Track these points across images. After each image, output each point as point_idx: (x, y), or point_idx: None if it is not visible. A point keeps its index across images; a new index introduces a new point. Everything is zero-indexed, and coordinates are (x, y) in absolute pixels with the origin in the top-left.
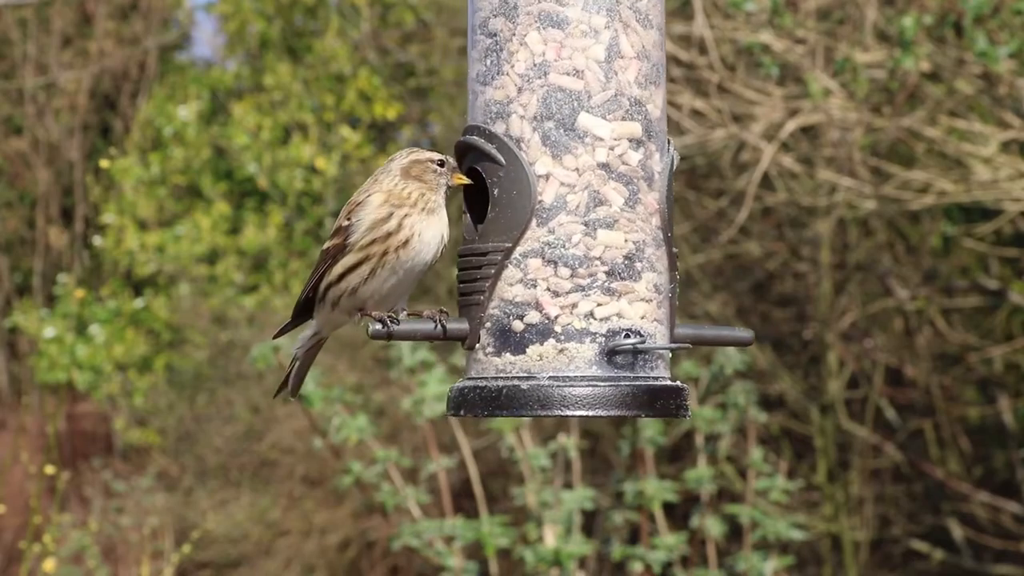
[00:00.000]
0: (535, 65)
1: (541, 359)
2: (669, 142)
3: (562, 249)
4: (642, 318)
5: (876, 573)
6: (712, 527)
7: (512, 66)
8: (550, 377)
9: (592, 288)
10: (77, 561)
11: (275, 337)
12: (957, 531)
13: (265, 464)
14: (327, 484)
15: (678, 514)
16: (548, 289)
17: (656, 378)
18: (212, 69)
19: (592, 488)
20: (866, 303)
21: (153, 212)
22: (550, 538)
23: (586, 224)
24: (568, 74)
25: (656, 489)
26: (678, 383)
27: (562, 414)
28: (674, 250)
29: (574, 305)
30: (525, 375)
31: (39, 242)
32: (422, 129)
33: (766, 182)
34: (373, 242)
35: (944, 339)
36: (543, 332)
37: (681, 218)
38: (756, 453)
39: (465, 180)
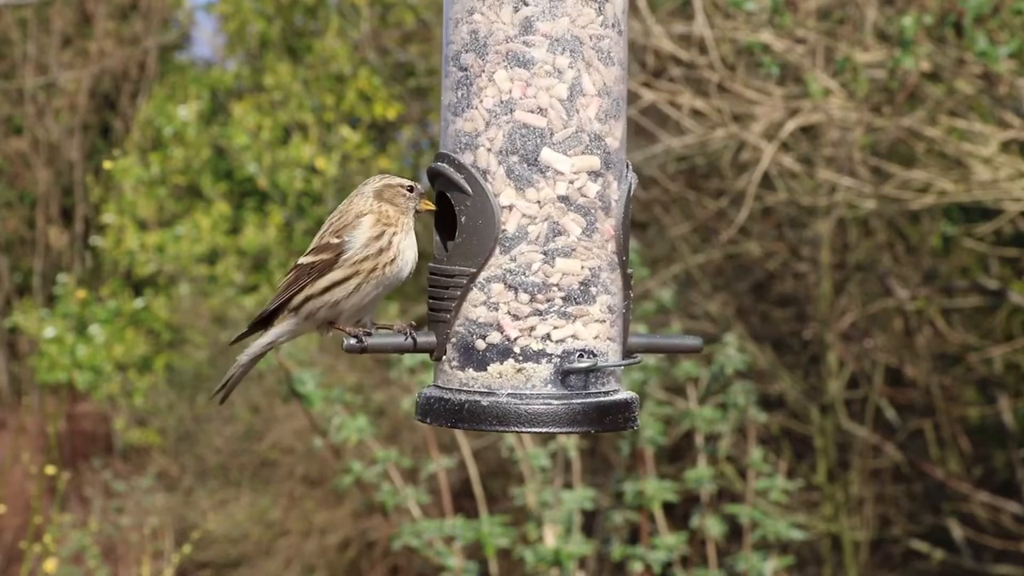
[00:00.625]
0: (502, 102)
1: (501, 376)
2: (628, 166)
3: (522, 276)
4: (595, 338)
5: (876, 573)
6: (712, 527)
7: (481, 101)
8: (508, 394)
9: (549, 313)
10: (77, 561)
11: (232, 343)
12: (957, 531)
13: (265, 464)
14: (327, 484)
15: (678, 514)
16: (509, 312)
17: (606, 393)
18: (212, 69)
19: (592, 488)
20: (866, 303)
21: (153, 212)
22: (550, 538)
23: (545, 253)
24: (532, 111)
25: (656, 489)
26: (627, 396)
27: (518, 430)
28: (628, 271)
29: (532, 328)
30: (486, 391)
31: (39, 242)
32: (422, 129)
33: (766, 182)
34: (366, 259)
35: (944, 339)
36: (503, 352)
37: (681, 218)
38: (756, 453)
39: (431, 206)
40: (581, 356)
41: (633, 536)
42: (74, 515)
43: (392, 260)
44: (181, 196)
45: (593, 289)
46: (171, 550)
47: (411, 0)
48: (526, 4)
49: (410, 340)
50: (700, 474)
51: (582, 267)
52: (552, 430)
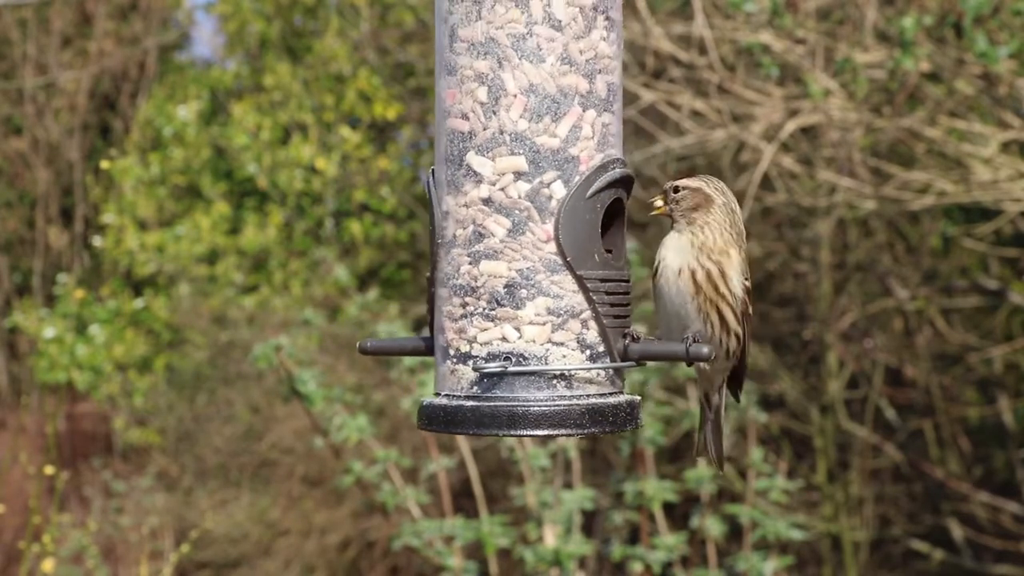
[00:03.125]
0: (441, 111)
1: (443, 379)
2: (618, 160)
3: (454, 280)
4: (531, 341)
5: (876, 573)
6: (712, 527)
7: (436, 114)
8: (445, 395)
9: (475, 315)
10: (77, 561)
11: None
12: (957, 531)
13: (265, 464)
14: (327, 484)
15: (678, 514)
16: (447, 315)
17: (542, 400)
18: (212, 69)
19: (592, 488)
20: (866, 303)
21: (153, 212)
22: (550, 538)
23: (470, 256)
24: (457, 117)
25: (656, 489)
26: (581, 402)
27: (440, 431)
28: (582, 272)
29: (463, 330)
30: (435, 393)
31: (39, 242)
32: (422, 129)
33: (766, 182)
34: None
35: (944, 339)
36: (444, 354)
37: None
38: (756, 453)
39: (657, 208)
40: (507, 359)
41: (633, 536)
42: (74, 515)
43: (656, 271)
44: (181, 196)
45: (523, 292)
46: (171, 550)
47: (411, 0)
48: (451, 13)
49: (408, 343)
50: (700, 474)
51: (508, 269)
52: (476, 432)
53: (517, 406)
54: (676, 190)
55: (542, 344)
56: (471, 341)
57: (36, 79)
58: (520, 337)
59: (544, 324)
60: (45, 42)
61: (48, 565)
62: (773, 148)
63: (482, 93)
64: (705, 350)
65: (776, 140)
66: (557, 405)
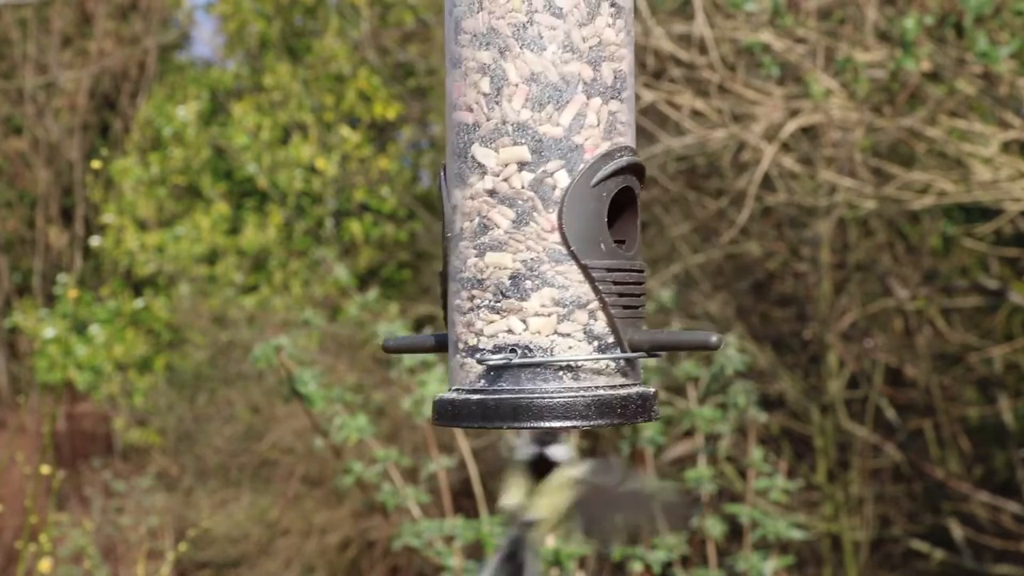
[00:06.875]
0: (448, 105)
1: (452, 372)
2: (627, 148)
3: (462, 273)
4: (536, 333)
5: (876, 573)
6: (712, 527)
7: (445, 109)
8: (453, 390)
9: (481, 308)
10: (77, 561)
11: None
12: (957, 531)
13: (265, 464)
14: (327, 484)
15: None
16: (457, 309)
17: (549, 392)
18: (212, 69)
19: None
20: (866, 303)
21: (153, 212)
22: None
23: (476, 248)
24: (462, 109)
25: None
26: (588, 394)
27: (450, 425)
28: (588, 263)
29: (470, 324)
30: (446, 387)
31: (39, 242)
32: (422, 129)
33: (766, 182)
34: None
35: (944, 339)
36: (455, 349)
37: (681, 218)
38: (756, 453)
39: None
40: (512, 351)
41: (633, 536)
42: (74, 515)
43: None
44: (181, 196)
45: (528, 283)
46: (171, 550)
47: (411, 0)
48: (455, 6)
49: (426, 341)
50: (700, 474)
51: (513, 260)
52: (470, 425)
53: (522, 398)
54: None
55: (547, 335)
56: (478, 334)
57: (36, 79)
58: (526, 329)
59: (550, 315)
60: (45, 42)
61: (45, 565)
62: (774, 148)
63: (485, 84)
64: (715, 339)
65: (777, 140)
66: (562, 397)
